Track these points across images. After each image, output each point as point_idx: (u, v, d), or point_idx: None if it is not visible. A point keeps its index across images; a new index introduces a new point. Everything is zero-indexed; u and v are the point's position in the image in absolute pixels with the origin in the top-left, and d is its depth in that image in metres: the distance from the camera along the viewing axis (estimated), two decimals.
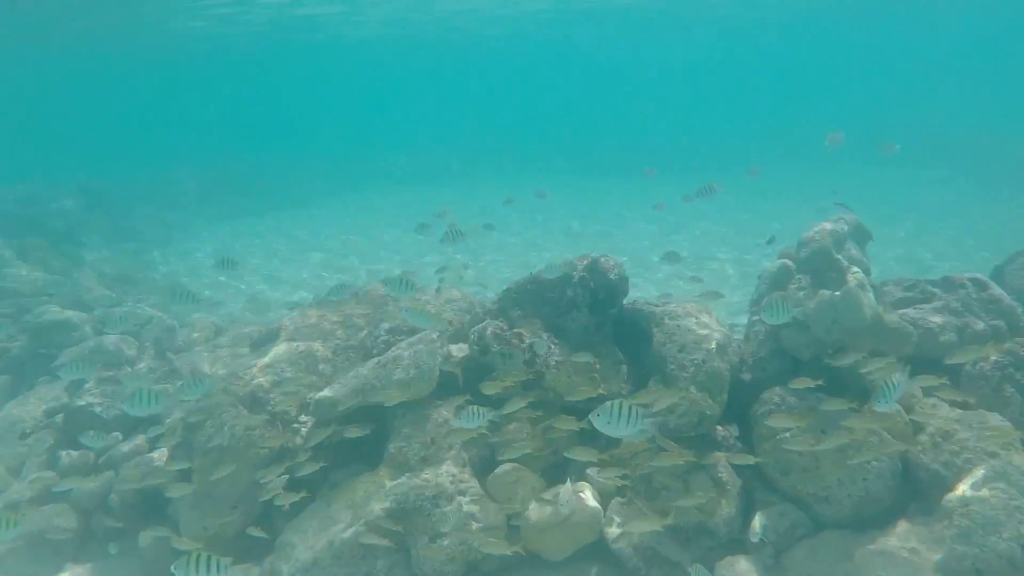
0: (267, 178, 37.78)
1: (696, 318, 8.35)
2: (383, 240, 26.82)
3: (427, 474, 7.71)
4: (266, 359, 9.38)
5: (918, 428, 7.42)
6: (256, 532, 8.00)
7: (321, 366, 9.30)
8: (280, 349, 9.54)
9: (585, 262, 8.74)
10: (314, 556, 7.53)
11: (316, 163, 41.54)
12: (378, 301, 10.45)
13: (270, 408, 8.77)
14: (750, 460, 7.26)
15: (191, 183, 35.05)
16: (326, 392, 8.36)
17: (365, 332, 9.82)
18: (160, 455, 8.91)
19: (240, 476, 8.15)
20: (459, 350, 8.92)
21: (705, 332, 8.07)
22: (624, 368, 8.42)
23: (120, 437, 9.57)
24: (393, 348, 8.75)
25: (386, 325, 9.49)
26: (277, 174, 38.42)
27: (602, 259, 8.68)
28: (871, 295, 7.65)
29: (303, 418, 8.68)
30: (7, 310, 13.01)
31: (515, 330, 8.43)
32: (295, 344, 9.55)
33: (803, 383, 7.25)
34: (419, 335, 8.77)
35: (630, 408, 6.47)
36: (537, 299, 8.82)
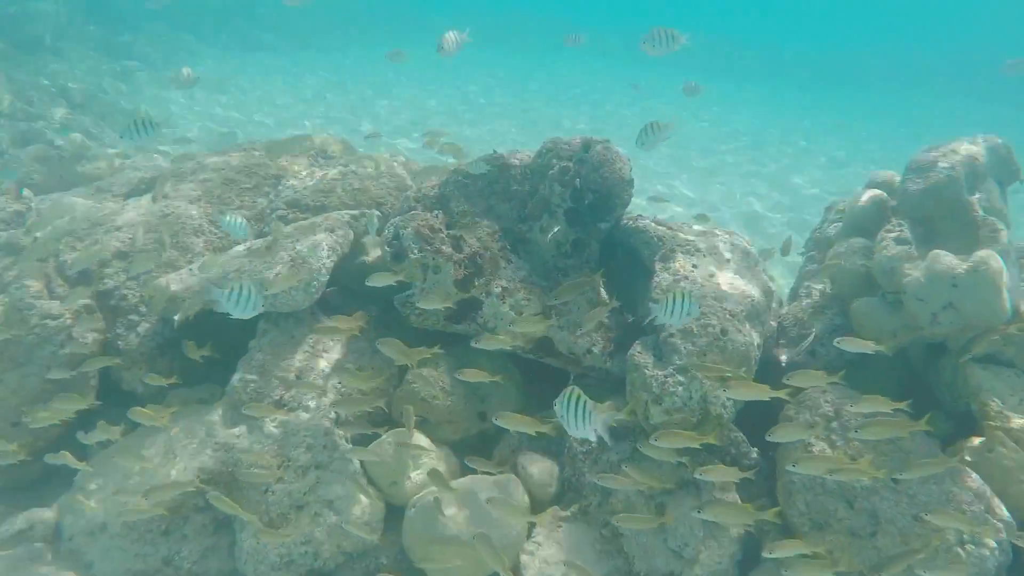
0: (296, 15, 34.24)
1: (723, 257, 5.46)
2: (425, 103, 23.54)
3: (272, 431, 5.11)
4: (121, 218, 6.72)
5: None
6: (57, 459, 5.49)
7: (193, 239, 6.61)
8: (142, 206, 6.85)
9: (574, 144, 5.81)
10: (105, 516, 5.07)
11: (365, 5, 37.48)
12: (300, 157, 7.65)
13: (101, 288, 6.17)
14: (762, 517, 4.50)
15: (215, 3, 31.66)
16: (168, 281, 5.70)
17: (270, 198, 7.07)
18: None
19: (28, 382, 5.63)
20: (375, 248, 6.17)
21: (732, 283, 5.21)
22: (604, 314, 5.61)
23: None
24: (285, 228, 6.03)
25: (289, 192, 6.72)
26: (308, 12, 34.80)
27: (599, 144, 5.73)
28: (1015, 272, 4.71)
29: (144, 309, 6.07)
30: None
31: (451, 232, 5.62)
32: (163, 204, 6.84)
33: (874, 403, 4.37)
34: (323, 217, 6.01)
35: (579, 400, 3.84)
36: (496, 191, 5.95)
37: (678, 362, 4.75)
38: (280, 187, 6.96)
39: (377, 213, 6.32)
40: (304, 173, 7.14)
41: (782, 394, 4.44)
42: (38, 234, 6.98)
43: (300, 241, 5.57)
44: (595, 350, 5.43)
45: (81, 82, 18.00)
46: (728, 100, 27.20)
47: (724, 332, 4.81)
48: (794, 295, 6.32)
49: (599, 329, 5.51)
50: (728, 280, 5.19)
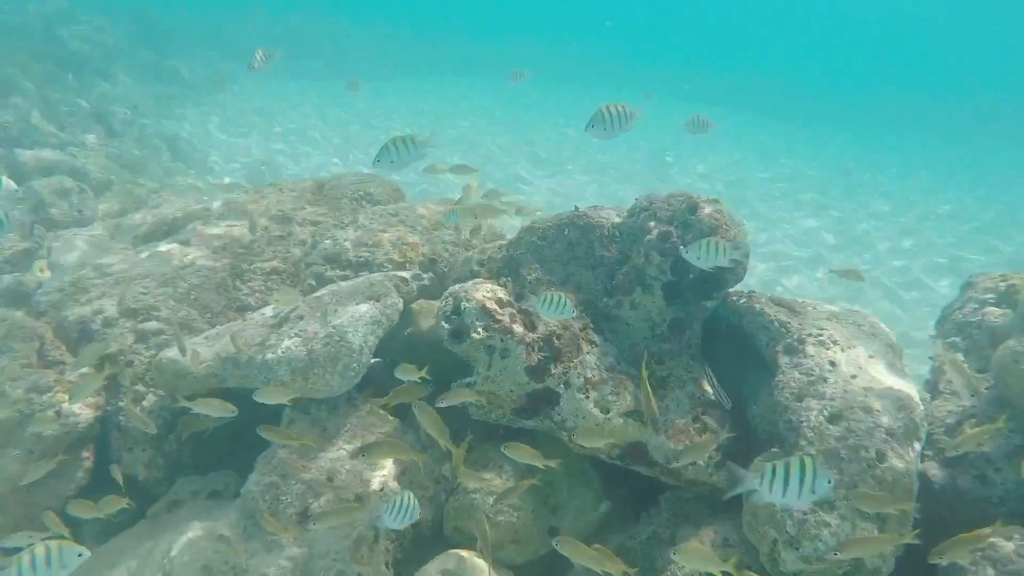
0: (347, 43, 33.85)
1: (866, 348, 4.34)
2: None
3: (293, 554, 4.06)
4: (135, 269, 5.80)
5: None
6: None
7: (214, 297, 5.65)
8: (161, 252, 5.93)
9: (675, 203, 4.75)
10: None
11: (411, 36, 36.99)
12: (344, 201, 6.70)
13: (108, 350, 5.23)
14: None
15: (262, 31, 31.35)
16: (175, 353, 4.72)
17: (307, 247, 6.11)
18: None
19: (4, 466, 4.68)
20: (428, 313, 5.15)
21: (885, 387, 4.08)
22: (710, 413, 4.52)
23: None
24: (318, 293, 5.05)
25: (328, 243, 5.75)
26: (358, 41, 34.40)
27: (708, 206, 4.67)
28: None
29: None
30: None
31: (524, 306, 4.58)
32: (188, 249, 5.91)
33: None
34: (367, 279, 5.02)
35: None
36: (577, 255, 4.91)
37: None
38: (315, 237, 5.99)
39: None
40: (346, 221, 6.17)
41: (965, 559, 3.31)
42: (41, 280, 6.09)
43: (338, 312, 4.56)
44: (699, 460, 4.33)
45: (122, 106, 17.45)
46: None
47: (881, 457, 3.69)
48: (932, 388, 5.17)
49: (703, 432, 4.42)
50: (879, 382, 4.07)
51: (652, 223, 4.68)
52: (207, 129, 18.88)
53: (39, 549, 2.90)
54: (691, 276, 4.57)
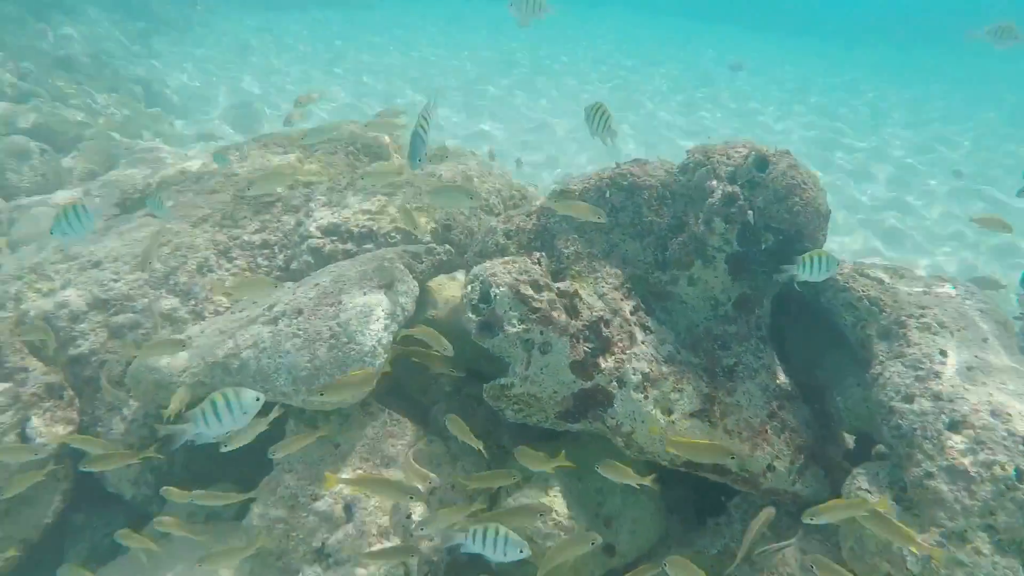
0: None
1: (980, 331, 3.64)
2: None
3: None
4: (100, 248, 5.03)
5: None
6: None
7: (196, 279, 4.89)
8: (130, 235, 5.14)
9: (738, 157, 3.98)
10: None
11: None
12: (338, 157, 5.89)
13: (74, 351, 4.52)
14: None
15: None
16: (161, 359, 4.00)
17: (300, 215, 5.34)
18: None
19: None
20: (447, 293, 4.42)
21: (1007, 378, 3.39)
22: (792, 411, 3.85)
23: None
24: (313, 276, 4.31)
25: (324, 211, 4.97)
26: None
27: (782, 159, 3.89)
28: None
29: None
30: None
31: (562, 287, 3.85)
32: (167, 227, 5.12)
33: None
34: (374, 258, 4.28)
35: None
36: (621, 222, 4.15)
37: (948, 523, 2.99)
38: (311, 203, 5.21)
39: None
40: (343, 182, 5.37)
41: None
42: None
43: (343, 303, 3.82)
44: (779, 466, 3.68)
45: (92, 46, 16.30)
46: None
47: (1021, 476, 3.02)
48: None
49: (782, 432, 3.75)
50: (1004, 375, 3.37)
51: (713, 182, 3.92)
52: (183, 68, 17.72)
53: (218, 398, 2.95)
54: (763, 246, 3.83)
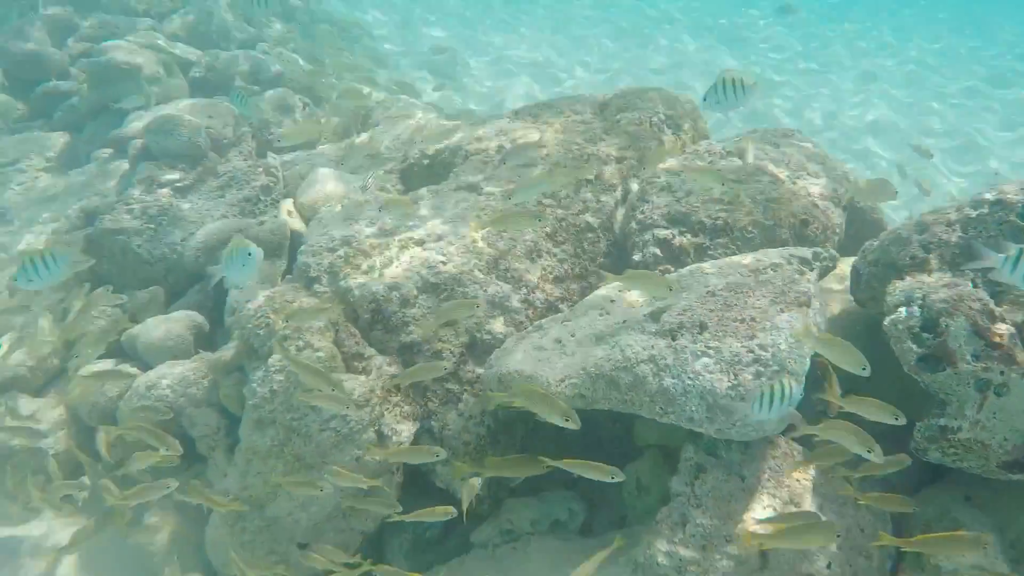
0: None
1: None
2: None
3: None
4: (422, 228, 4.71)
5: None
6: None
7: (497, 279, 4.50)
8: (451, 211, 4.80)
9: None
10: None
11: None
12: (644, 128, 5.37)
13: (406, 339, 4.24)
14: None
15: None
16: (518, 364, 3.64)
17: (619, 192, 4.89)
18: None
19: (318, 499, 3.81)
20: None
21: None
22: None
23: None
24: (680, 276, 3.83)
25: (662, 204, 4.47)
26: None
27: None
28: None
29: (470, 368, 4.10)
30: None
31: (1013, 318, 3.23)
32: (480, 198, 4.75)
33: None
34: (760, 263, 3.76)
35: None
36: None
37: None
38: (630, 183, 4.71)
39: None
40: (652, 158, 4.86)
41: None
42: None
43: (757, 321, 3.33)
44: None
45: None
46: None
47: None
48: None
49: None
50: None
51: None
52: (370, 12, 17.51)
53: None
54: None
